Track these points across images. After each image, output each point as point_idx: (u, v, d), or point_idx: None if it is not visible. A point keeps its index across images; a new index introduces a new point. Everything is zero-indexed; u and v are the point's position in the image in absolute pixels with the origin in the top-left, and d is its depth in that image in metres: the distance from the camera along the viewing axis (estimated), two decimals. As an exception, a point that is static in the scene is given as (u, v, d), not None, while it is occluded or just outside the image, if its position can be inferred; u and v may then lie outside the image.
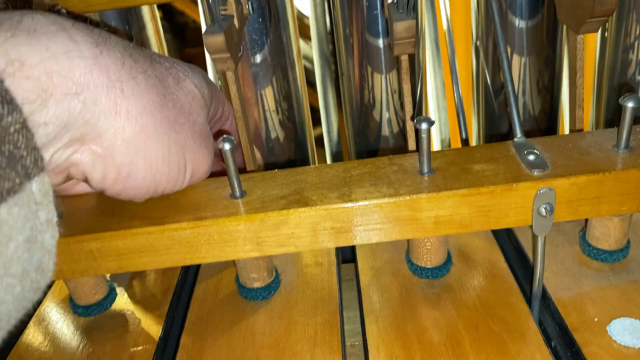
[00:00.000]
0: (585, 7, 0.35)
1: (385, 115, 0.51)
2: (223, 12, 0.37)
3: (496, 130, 0.54)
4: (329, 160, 0.60)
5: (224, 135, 0.32)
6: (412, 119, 0.41)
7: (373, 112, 0.51)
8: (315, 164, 0.57)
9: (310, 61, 0.58)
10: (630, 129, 0.33)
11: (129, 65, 0.28)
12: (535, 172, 0.32)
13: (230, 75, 0.38)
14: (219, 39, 0.35)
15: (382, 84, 0.49)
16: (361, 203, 0.33)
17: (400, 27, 0.34)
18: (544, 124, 0.53)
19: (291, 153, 0.54)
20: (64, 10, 0.39)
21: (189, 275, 0.44)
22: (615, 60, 0.50)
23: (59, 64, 0.24)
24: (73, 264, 0.34)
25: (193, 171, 0.33)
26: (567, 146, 0.35)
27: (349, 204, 0.33)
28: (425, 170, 0.34)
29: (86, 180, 0.30)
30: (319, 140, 0.60)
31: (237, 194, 0.35)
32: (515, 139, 0.36)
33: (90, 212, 0.35)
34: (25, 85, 0.22)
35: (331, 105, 0.59)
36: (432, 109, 0.59)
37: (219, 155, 0.40)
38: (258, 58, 0.48)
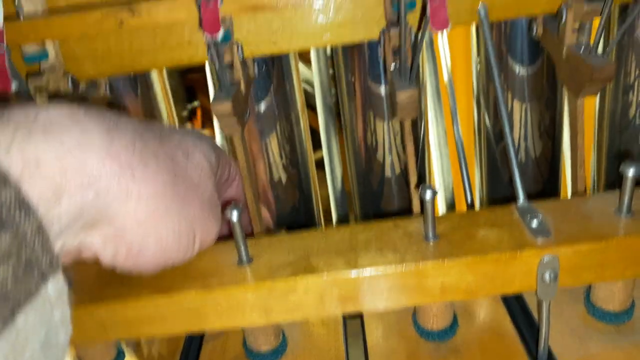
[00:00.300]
0: (583, 73, 0.36)
1: (388, 158, 0.51)
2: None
3: (499, 179, 0.54)
4: (333, 207, 0.61)
5: (232, 204, 0.33)
6: (417, 183, 0.41)
7: (376, 155, 0.51)
8: (320, 213, 0.57)
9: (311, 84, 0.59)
10: (632, 194, 0.33)
11: (140, 148, 0.29)
12: (539, 239, 0.33)
13: (237, 139, 0.39)
14: (226, 107, 0.36)
15: (384, 129, 0.49)
16: (368, 270, 0.33)
17: (403, 96, 0.35)
18: (546, 168, 0.54)
19: (295, 201, 0.55)
20: (73, 77, 0.40)
21: (195, 337, 0.44)
22: (616, 102, 0.51)
23: (73, 158, 0.25)
24: (82, 331, 0.34)
25: (202, 241, 0.34)
26: (570, 211, 0.35)
27: (356, 271, 0.33)
28: (431, 236, 0.34)
29: (96, 259, 0.30)
30: (323, 182, 0.61)
31: (245, 260, 0.35)
32: (519, 203, 0.36)
33: (100, 281, 0.35)
34: (40, 185, 0.23)
35: (335, 152, 0.59)
36: (435, 156, 0.59)
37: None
38: (263, 111, 0.48)
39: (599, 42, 0.35)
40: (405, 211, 0.53)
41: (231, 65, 0.39)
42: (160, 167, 0.30)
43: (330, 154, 0.60)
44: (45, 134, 0.24)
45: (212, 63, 0.39)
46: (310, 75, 0.59)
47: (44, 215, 0.23)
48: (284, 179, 0.53)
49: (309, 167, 0.54)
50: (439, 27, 0.28)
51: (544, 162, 0.53)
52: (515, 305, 0.41)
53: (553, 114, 0.51)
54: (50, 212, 0.23)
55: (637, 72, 0.48)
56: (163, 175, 0.30)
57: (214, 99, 0.36)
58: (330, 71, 0.57)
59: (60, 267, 0.23)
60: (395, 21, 0.36)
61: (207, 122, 1.73)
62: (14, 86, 0.32)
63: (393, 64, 0.38)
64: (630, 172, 0.32)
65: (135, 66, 0.41)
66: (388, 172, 0.52)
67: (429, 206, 0.33)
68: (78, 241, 0.28)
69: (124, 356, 0.41)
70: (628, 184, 0.33)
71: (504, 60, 0.47)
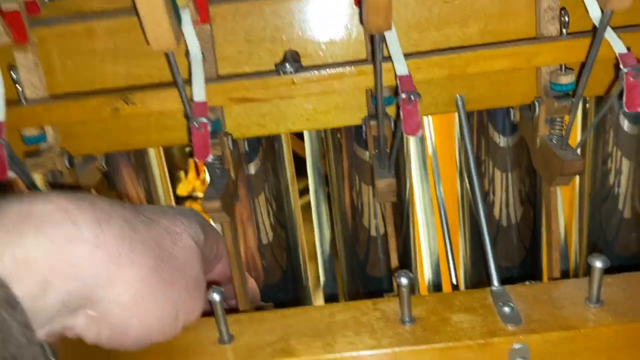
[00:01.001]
0: (554, 165, 0.38)
1: (374, 221, 0.52)
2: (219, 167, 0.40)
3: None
4: (320, 271, 0.62)
5: (213, 287, 0.34)
6: (397, 262, 0.43)
7: (362, 218, 0.53)
8: (308, 278, 0.58)
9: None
10: (600, 285, 0.35)
11: (129, 237, 0.30)
12: (510, 327, 0.34)
13: (226, 225, 0.40)
14: (215, 204, 0.38)
15: (369, 193, 0.51)
16: (344, 355, 0.34)
17: (382, 184, 0.37)
18: (527, 233, 0.55)
19: (284, 265, 0.56)
20: (70, 155, 0.42)
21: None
22: (595, 170, 0.52)
23: (62, 254, 0.26)
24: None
25: (185, 319, 0.35)
26: (542, 298, 0.36)
27: (332, 355, 0.34)
28: (407, 319, 0.35)
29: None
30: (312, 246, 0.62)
31: (225, 339, 0.36)
32: (493, 288, 0.38)
33: (85, 356, 0.36)
34: (28, 282, 0.24)
35: (324, 221, 0.61)
36: (421, 224, 0.61)
37: None
38: (253, 173, 0.50)
39: (568, 136, 0.37)
40: (391, 274, 0.54)
41: (221, 157, 0.41)
42: (146, 253, 0.31)
43: (320, 218, 0.61)
44: (36, 233, 0.25)
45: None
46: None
47: (29, 309, 0.24)
48: (272, 243, 0.55)
49: (297, 233, 0.56)
50: (410, 132, 0.30)
51: (526, 228, 0.55)
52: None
53: (534, 181, 0.52)
54: (37, 305, 0.25)
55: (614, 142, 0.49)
56: (149, 260, 0.31)
57: (204, 197, 0.38)
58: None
59: (47, 356, 0.24)
60: (374, 113, 0.38)
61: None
62: (11, 174, 0.33)
63: (375, 151, 0.40)
64: (598, 264, 0.33)
65: (130, 144, 0.43)
66: (373, 233, 0.53)
67: (404, 291, 0.34)
68: (63, 325, 0.29)
69: None
70: (596, 276, 0.34)
71: (487, 131, 0.49)
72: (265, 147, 0.48)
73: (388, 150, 0.38)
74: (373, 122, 0.37)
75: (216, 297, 0.34)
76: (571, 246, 0.57)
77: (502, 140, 0.49)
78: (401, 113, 0.30)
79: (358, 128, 0.47)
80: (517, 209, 0.53)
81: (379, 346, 0.34)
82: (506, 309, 0.35)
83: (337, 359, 0.34)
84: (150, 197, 0.52)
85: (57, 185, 0.41)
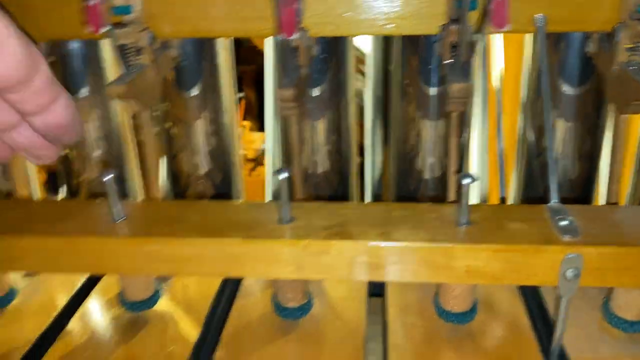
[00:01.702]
0: (631, 90, 0.37)
1: (429, 160, 0.53)
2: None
3: (534, 191, 0.56)
4: (368, 197, 0.63)
5: (280, 168, 0.36)
6: (457, 171, 0.43)
7: (417, 156, 0.53)
8: (355, 199, 0.59)
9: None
10: (662, 209, 0.35)
11: None
12: (566, 238, 0.35)
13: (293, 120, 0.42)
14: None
15: (429, 130, 0.51)
16: (399, 244, 0.35)
17: (456, 88, 0.37)
18: (580, 189, 0.55)
19: (334, 187, 0.57)
20: (152, 34, 0.43)
21: (227, 286, 0.47)
22: None
23: None
24: (131, 262, 0.38)
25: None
26: (600, 217, 0.37)
27: (388, 243, 0.35)
28: (463, 221, 0.36)
29: None
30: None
31: (286, 219, 0.38)
32: (551, 204, 0.38)
33: (153, 218, 0.39)
34: None
35: (378, 144, 0.62)
36: (474, 162, 0.61)
37: None
38: (316, 94, 0.51)
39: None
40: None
41: (296, 49, 0.41)
42: None
43: (374, 147, 0.62)
44: None
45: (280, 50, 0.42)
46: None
47: None
48: (325, 164, 0.56)
49: (351, 154, 0.56)
50: (498, 25, 0.30)
51: (579, 182, 0.55)
52: (533, 302, 0.43)
53: (592, 136, 0.52)
54: None
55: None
56: None
57: (280, 85, 0.39)
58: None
59: None
60: (456, 18, 0.39)
61: (248, 115, 1.77)
62: (102, 30, 0.35)
63: (449, 60, 0.40)
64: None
65: (209, 32, 0.44)
66: (427, 174, 0.54)
67: (465, 192, 0.35)
68: None
69: (160, 294, 0.44)
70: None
71: (553, 77, 0.48)
72: (332, 54, 0.49)
73: (464, 60, 0.38)
74: (454, 26, 0.38)
75: (284, 174, 0.36)
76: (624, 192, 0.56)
77: (568, 88, 0.49)
78: (490, 5, 0.30)
79: (426, 60, 0.47)
80: (573, 162, 0.53)
81: (434, 240, 0.35)
82: (563, 222, 0.36)
83: (392, 247, 0.35)
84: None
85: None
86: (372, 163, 0.62)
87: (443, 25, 0.40)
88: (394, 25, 0.42)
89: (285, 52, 0.39)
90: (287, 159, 0.56)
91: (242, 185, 0.60)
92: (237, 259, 0.37)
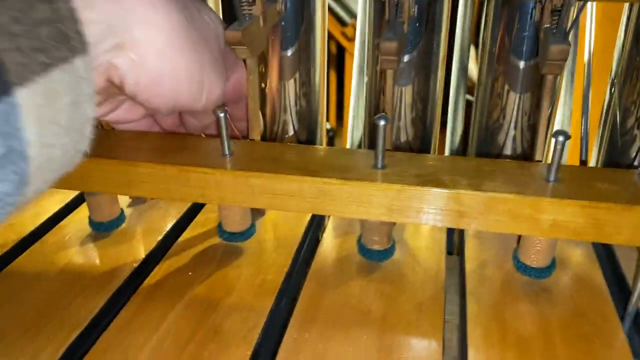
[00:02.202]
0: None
1: (512, 133, 0.54)
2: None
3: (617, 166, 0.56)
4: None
5: (380, 115, 0.38)
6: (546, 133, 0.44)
7: (501, 128, 0.55)
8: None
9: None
10: None
11: None
12: (655, 200, 0.36)
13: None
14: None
15: (515, 103, 0.52)
16: (489, 194, 0.37)
17: (555, 49, 0.38)
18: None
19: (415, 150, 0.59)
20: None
21: (315, 225, 0.50)
22: None
23: None
24: (235, 194, 0.41)
25: (208, 93, 0.40)
26: (691, 184, 0.37)
27: (478, 192, 0.37)
28: (552, 178, 0.38)
29: (121, 88, 0.37)
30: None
31: (380, 165, 0.40)
32: (640, 169, 0.39)
33: (257, 156, 0.42)
34: None
35: (459, 112, 0.63)
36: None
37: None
38: (406, 57, 0.53)
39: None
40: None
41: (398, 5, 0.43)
42: (178, 9, 0.36)
43: (455, 112, 0.63)
44: None
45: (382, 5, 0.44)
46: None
47: (78, 8, 0.27)
48: (409, 131, 0.58)
49: (435, 118, 0.58)
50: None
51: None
52: (609, 265, 0.44)
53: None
54: (83, 11, 0.28)
55: None
56: (180, 16, 0.36)
57: (383, 38, 0.41)
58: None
59: (89, 54, 0.27)
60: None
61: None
62: None
63: (549, 25, 0.41)
64: None
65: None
66: (508, 149, 0.55)
67: (559, 148, 0.36)
68: (107, 60, 0.34)
69: (254, 228, 0.47)
70: None
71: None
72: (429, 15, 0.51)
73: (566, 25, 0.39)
74: (557, -10, 0.39)
75: (382, 122, 0.38)
76: None
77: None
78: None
79: (520, 29, 0.48)
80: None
81: (523, 193, 0.37)
82: (653, 186, 0.37)
83: (481, 196, 0.37)
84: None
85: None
86: (452, 131, 0.64)
87: (544, -11, 0.41)
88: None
89: (389, 6, 0.41)
90: (370, 116, 0.59)
91: (324, 143, 0.63)
92: (333, 198, 0.40)
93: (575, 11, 0.43)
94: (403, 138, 0.58)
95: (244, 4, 0.44)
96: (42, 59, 0.24)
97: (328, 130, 1.53)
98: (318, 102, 0.59)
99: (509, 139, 0.55)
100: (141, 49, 0.35)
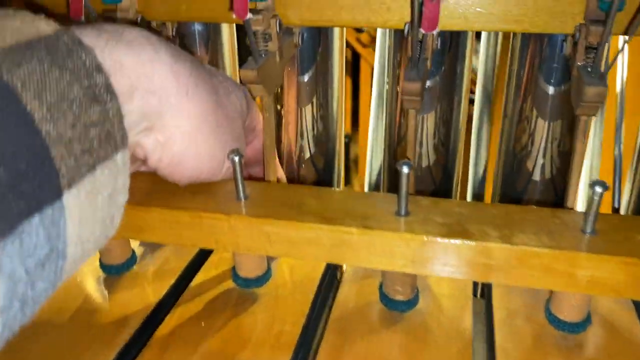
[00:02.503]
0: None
1: (540, 161, 0.52)
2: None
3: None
4: (469, 196, 0.62)
5: (404, 161, 0.36)
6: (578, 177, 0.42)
7: (528, 160, 0.52)
8: (457, 196, 0.59)
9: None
10: None
11: (195, 74, 0.36)
12: (703, 257, 0.33)
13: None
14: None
15: (544, 130, 0.50)
16: (520, 247, 0.35)
17: (592, 91, 0.36)
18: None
19: (436, 181, 0.57)
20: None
21: (333, 270, 0.48)
22: None
23: (146, 68, 0.32)
24: (250, 241, 0.39)
25: (227, 169, 0.40)
26: None
27: (508, 245, 0.35)
28: (589, 229, 0.35)
29: (144, 161, 0.37)
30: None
31: (403, 212, 0.38)
32: (685, 220, 0.36)
33: (273, 200, 0.40)
34: (121, 81, 0.29)
35: (483, 141, 0.61)
36: (585, 166, 0.59)
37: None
38: (429, 85, 0.51)
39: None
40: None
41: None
42: (207, 93, 0.37)
43: (479, 141, 0.61)
44: (128, 47, 0.31)
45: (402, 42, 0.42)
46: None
47: (121, 104, 0.29)
48: (431, 160, 0.55)
49: (457, 151, 0.56)
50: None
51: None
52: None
53: None
54: (124, 104, 0.29)
55: None
56: (208, 101, 0.37)
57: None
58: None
59: (127, 146, 0.29)
60: (597, 18, 0.37)
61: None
62: (247, 17, 0.37)
63: (583, 62, 0.39)
64: None
65: (333, 21, 0.45)
66: (537, 175, 0.52)
67: (596, 200, 0.34)
68: (138, 140, 0.35)
69: (270, 274, 0.45)
70: None
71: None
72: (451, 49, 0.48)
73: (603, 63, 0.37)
74: (594, 27, 0.36)
75: (405, 169, 0.36)
76: None
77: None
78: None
79: (549, 56, 0.45)
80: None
81: (558, 247, 0.34)
82: (700, 240, 0.34)
83: (513, 251, 0.35)
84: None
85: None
86: (475, 159, 0.62)
87: (580, 25, 0.39)
88: (524, 22, 0.41)
89: (413, 44, 0.39)
90: (389, 149, 0.57)
91: (342, 171, 0.61)
92: (353, 248, 0.38)
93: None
94: (425, 164, 0.56)
95: (260, 39, 0.42)
96: (89, 160, 0.26)
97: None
98: (336, 128, 0.57)
99: (537, 174, 0.52)
100: (169, 132, 0.35)
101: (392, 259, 0.37)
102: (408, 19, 0.43)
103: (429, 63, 0.42)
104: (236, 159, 0.38)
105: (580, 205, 0.60)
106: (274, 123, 0.47)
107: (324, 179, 0.59)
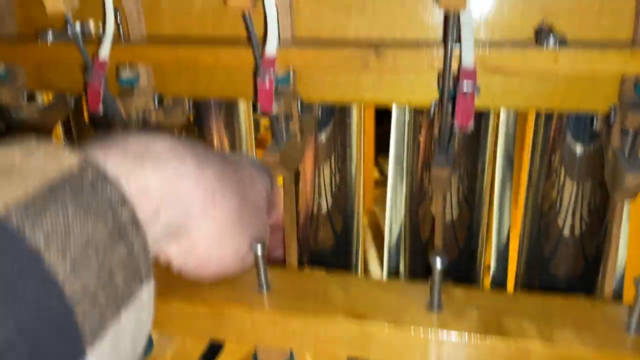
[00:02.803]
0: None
1: (569, 221, 0.50)
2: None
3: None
4: (493, 262, 0.60)
5: (438, 253, 0.34)
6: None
7: (557, 217, 0.50)
8: (481, 267, 0.57)
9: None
10: None
11: (222, 178, 0.34)
12: None
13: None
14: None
15: (572, 190, 0.48)
16: (563, 347, 0.33)
17: (632, 180, 0.34)
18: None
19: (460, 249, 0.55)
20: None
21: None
22: None
23: (172, 184, 0.31)
24: (272, 337, 0.37)
25: (250, 259, 0.38)
26: None
27: (548, 344, 0.33)
28: (634, 328, 0.33)
29: (167, 264, 0.36)
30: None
31: (435, 307, 0.36)
32: None
33: (297, 290, 0.38)
34: (146, 208, 0.28)
35: (506, 209, 0.59)
36: (622, 246, 0.56)
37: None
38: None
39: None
40: (575, 277, 0.51)
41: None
42: (233, 194, 0.35)
43: (501, 209, 0.59)
44: (154, 166, 0.30)
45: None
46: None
47: (147, 230, 0.27)
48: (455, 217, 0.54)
49: (482, 220, 0.54)
50: None
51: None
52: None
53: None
54: (151, 228, 0.28)
55: None
56: (235, 201, 0.35)
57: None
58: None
59: (152, 277, 0.27)
60: (632, 104, 0.36)
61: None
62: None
63: (618, 145, 0.37)
64: None
65: (355, 99, 0.44)
66: (566, 233, 0.51)
67: (641, 298, 0.32)
68: (159, 249, 0.33)
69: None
70: None
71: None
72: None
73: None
74: (632, 113, 0.35)
75: (439, 263, 0.34)
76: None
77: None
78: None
79: (577, 119, 0.44)
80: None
81: (603, 349, 0.32)
82: None
83: (554, 352, 0.33)
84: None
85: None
86: (499, 225, 0.60)
87: (614, 106, 0.37)
88: (557, 100, 0.40)
89: (442, 131, 0.37)
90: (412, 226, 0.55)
91: (363, 239, 0.59)
92: (382, 344, 0.36)
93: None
94: (450, 233, 0.54)
95: (281, 121, 0.41)
96: (113, 308, 0.24)
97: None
98: (355, 187, 0.56)
99: (565, 230, 0.50)
100: (192, 237, 0.34)
101: (426, 357, 0.35)
102: (432, 97, 0.42)
103: (455, 145, 0.41)
104: (259, 249, 0.37)
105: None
106: (294, 204, 0.45)
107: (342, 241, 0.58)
